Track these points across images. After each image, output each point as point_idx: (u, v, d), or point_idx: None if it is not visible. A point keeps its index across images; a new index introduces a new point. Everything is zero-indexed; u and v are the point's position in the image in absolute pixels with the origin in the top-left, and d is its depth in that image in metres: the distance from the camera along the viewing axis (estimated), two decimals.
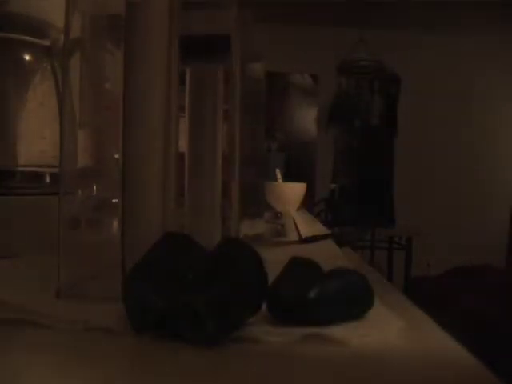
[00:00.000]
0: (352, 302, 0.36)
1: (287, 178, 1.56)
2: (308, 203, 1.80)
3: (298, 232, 0.93)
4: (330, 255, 0.71)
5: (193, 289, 0.30)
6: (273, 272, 0.36)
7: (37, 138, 0.69)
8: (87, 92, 0.42)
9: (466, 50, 3.10)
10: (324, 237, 0.94)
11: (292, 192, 1.46)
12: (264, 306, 0.34)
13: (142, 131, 0.38)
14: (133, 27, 0.38)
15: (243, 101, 0.45)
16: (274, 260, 0.39)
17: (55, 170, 0.41)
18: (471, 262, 2.00)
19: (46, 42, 0.69)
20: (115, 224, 0.39)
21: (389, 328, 0.34)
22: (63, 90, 0.39)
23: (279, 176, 1.53)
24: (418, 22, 2.92)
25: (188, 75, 0.48)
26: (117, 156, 0.39)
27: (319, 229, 1.05)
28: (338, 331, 0.32)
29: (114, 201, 0.39)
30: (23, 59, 0.71)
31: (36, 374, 0.27)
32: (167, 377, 0.27)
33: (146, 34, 0.38)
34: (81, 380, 0.27)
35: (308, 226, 1.06)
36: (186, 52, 0.43)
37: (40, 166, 0.66)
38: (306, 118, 3.23)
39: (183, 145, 0.50)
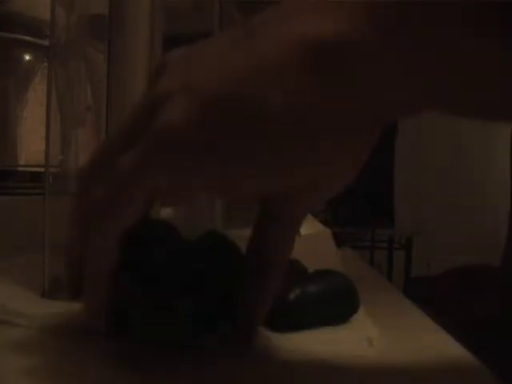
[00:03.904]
0: (335, 305, 0.35)
1: None
2: None
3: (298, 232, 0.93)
4: (324, 255, 0.70)
5: (174, 290, 0.29)
6: None
7: (37, 138, 0.69)
8: (70, 92, 0.42)
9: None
10: (322, 235, 0.94)
11: None
12: None
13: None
14: (115, 26, 0.38)
15: None
16: None
17: (55, 170, 0.41)
18: (471, 262, 2.00)
19: (46, 42, 0.69)
20: None
21: (360, 336, 0.33)
22: (48, 90, 0.39)
23: None
24: None
25: None
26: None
27: (319, 228, 1.05)
28: (307, 337, 0.32)
29: None
30: (23, 59, 0.71)
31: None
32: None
33: (128, 34, 0.38)
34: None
35: (307, 225, 1.05)
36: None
37: (40, 166, 0.66)
38: None
39: None
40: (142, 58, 0.38)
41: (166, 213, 0.45)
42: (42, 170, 0.40)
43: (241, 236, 0.51)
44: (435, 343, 0.35)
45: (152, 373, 0.27)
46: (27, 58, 0.71)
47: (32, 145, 0.69)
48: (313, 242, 0.85)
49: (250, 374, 0.28)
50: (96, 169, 0.28)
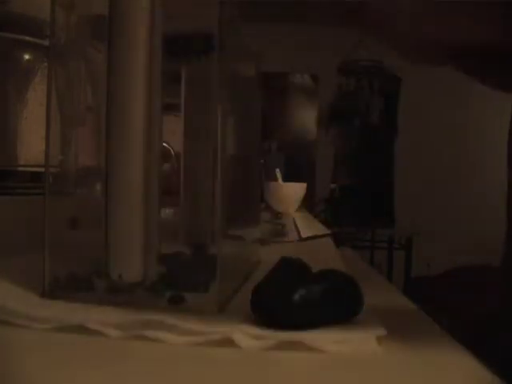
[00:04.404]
0: (339, 305, 0.35)
1: (287, 178, 1.56)
2: (308, 203, 1.80)
3: (298, 232, 0.93)
4: (325, 255, 0.70)
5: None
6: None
7: (37, 138, 0.69)
8: (70, 92, 0.42)
9: None
10: (324, 237, 0.94)
11: (292, 192, 1.46)
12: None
13: (124, 132, 0.39)
14: (115, 26, 0.38)
15: (233, 100, 0.45)
16: (274, 260, 0.39)
17: (55, 170, 0.41)
18: (471, 262, 2.00)
19: (46, 42, 0.69)
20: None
21: (368, 335, 0.33)
22: (48, 90, 0.39)
23: (279, 176, 1.53)
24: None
25: (183, 74, 0.48)
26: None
27: (319, 229, 1.05)
28: (315, 336, 0.32)
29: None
30: (23, 59, 0.71)
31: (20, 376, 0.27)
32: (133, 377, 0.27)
33: (128, 34, 0.38)
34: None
35: (308, 226, 1.06)
36: (181, 51, 0.43)
37: (40, 166, 0.66)
38: (306, 118, 3.22)
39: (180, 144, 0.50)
40: (142, 58, 0.38)
41: (166, 213, 0.45)
42: (42, 170, 0.40)
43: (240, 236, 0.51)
44: (435, 343, 0.35)
45: (152, 369, 0.27)
46: (27, 57, 0.71)
47: (32, 145, 0.69)
48: (314, 243, 0.85)
49: (254, 374, 0.28)
50: None
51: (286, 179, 1.54)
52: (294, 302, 0.33)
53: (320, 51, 3.08)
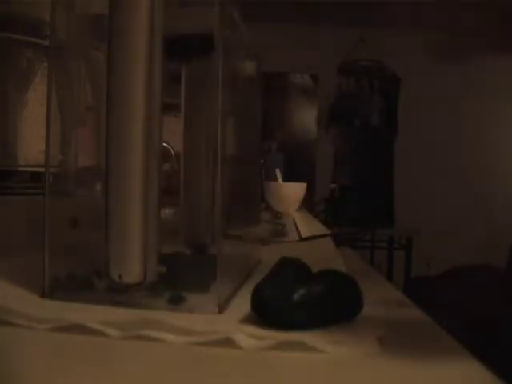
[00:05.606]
0: (339, 305, 0.35)
1: (287, 178, 1.56)
2: (308, 203, 1.80)
3: (298, 232, 0.93)
4: (325, 255, 0.70)
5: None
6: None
7: (37, 138, 0.69)
8: (70, 92, 0.42)
9: (467, 50, 3.09)
10: (324, 237, 0.94)
11: (292, 192, 1.46)
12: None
13: (124, 132, 0.39)
14: (115, 26, 0.38)
15: (233, 100, 0.45)
16: (274, 260, 0.39)
17: (55, 170, 0.41)
18: (471, 262, 2.00)
19: (46, 42, 0.69)
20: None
21: (368, 335, 0.33)
22: (48, 90, 0.39)
23: (279, 176, 1.52)
24: (418, 22, 2.91)
25: (183, 74, 0.48)
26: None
27: (319, 229, 1.05)
28: (315, 337, 0.32)
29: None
30: (23, 59, 0.71)
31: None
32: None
33: (128, 34, 0.38)
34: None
35: (308, 226, 1.06)
36: (182, 51, 0.43)
37: (40, 166, 0.66)
38: (306, 118, 3.22)
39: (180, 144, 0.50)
40: (142, 58, 0.38)
41: (166, 213, 0.45)
42: (42, 169, 0.40)
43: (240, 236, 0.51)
44: (435, 343, 0.35)
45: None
46: (27, 57, 0.71)
47: (32, 145, 0.69)
48: (314, 243, 0.85)
49: (254, 374, 0.28)
50: None
51: (285, 179, 1.54)
52: (294, 302, 0.33)
53: (320, 51, 3.08)
